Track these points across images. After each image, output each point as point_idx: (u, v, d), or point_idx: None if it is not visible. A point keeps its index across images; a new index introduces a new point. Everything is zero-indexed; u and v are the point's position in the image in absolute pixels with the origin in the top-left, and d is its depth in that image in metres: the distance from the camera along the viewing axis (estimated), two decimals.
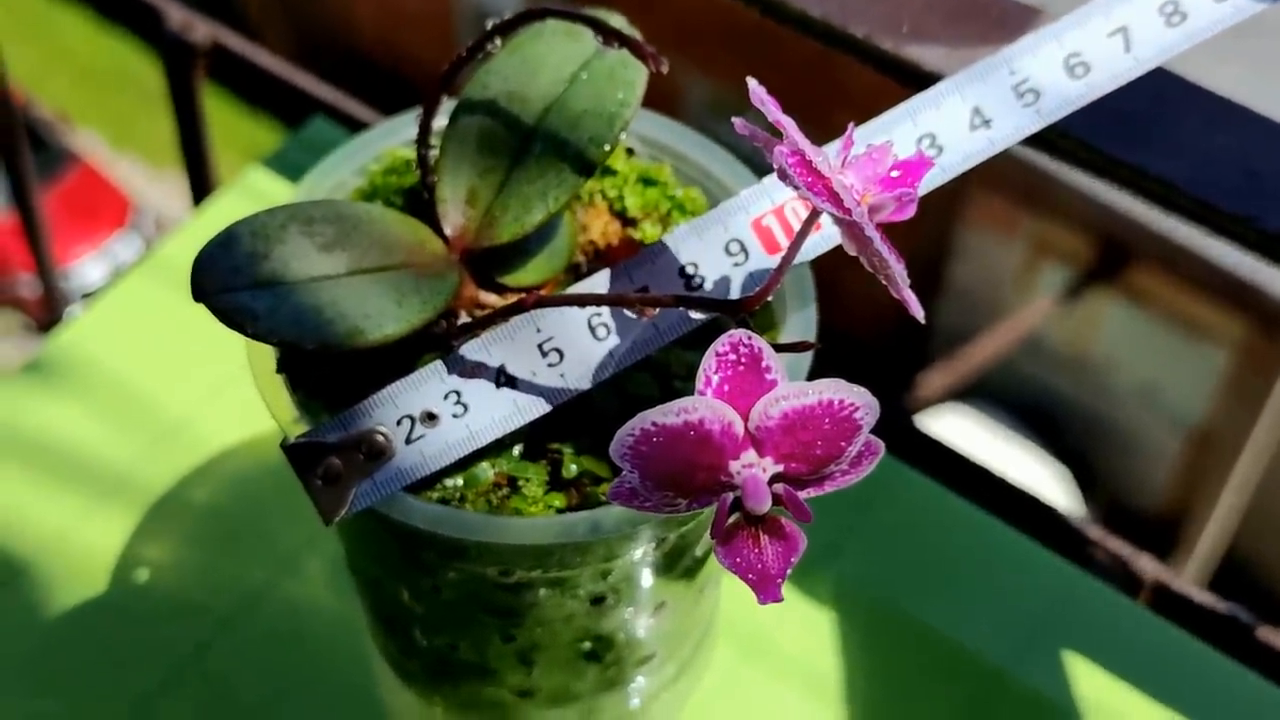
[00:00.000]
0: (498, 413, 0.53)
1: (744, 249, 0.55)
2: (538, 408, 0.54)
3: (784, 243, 0.55)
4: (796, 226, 0.55)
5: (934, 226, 3.78)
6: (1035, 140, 0.63)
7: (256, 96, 4.69)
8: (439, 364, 0.53)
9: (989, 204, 3.72)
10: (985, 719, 0.79)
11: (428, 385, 0.53)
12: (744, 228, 0.55)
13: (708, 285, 0.55)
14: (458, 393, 0.53)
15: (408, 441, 0.53)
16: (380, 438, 0.52)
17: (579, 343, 0.54)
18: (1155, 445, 3.80)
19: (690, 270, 0.55)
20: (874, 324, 3.99)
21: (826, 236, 0.55)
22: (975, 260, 3.90)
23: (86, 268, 4.62)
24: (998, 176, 3.49)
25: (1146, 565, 0.83)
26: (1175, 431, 3.74)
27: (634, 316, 0.54)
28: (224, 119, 4.58)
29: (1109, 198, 3.10)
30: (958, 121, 0.56)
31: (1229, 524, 3.36)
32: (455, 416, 0.53)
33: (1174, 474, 3.79)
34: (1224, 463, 3.34)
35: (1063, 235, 3.59)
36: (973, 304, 3.95)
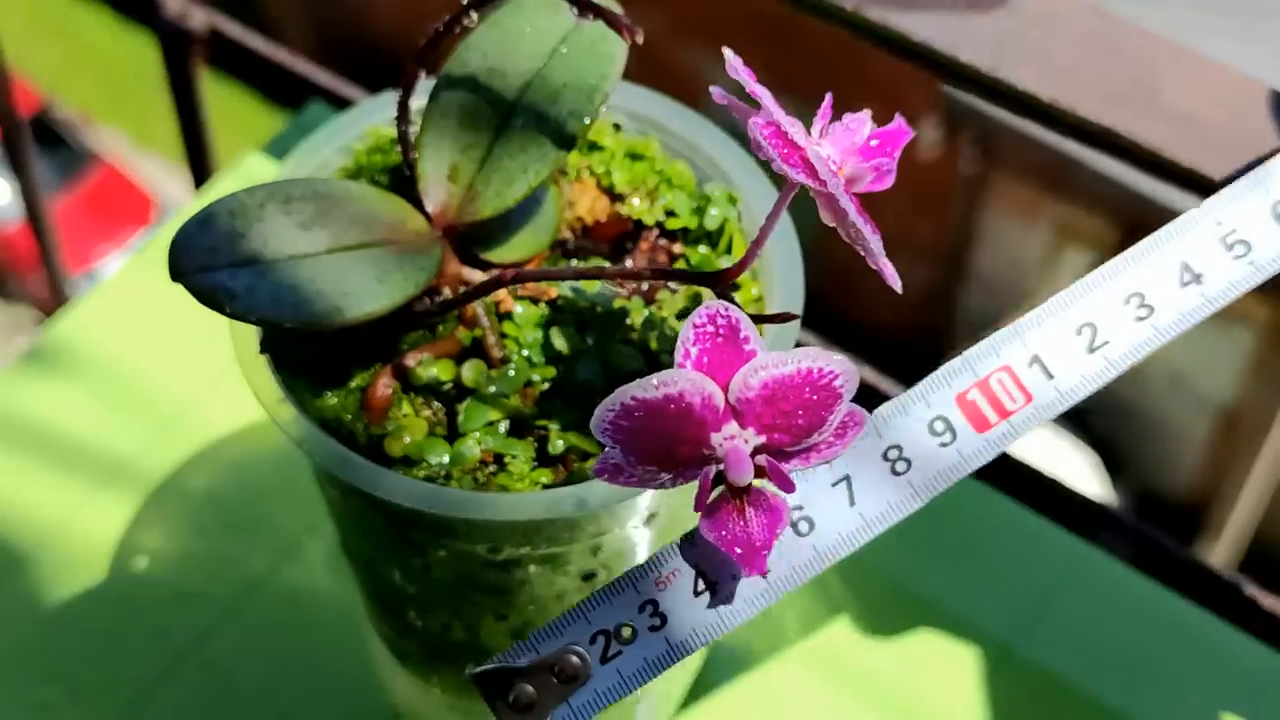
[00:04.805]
0: (699, 621, 0.50)
1: (950, 427, 0.51)
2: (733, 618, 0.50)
3: (994, 419, 0.51)
4: (1004, 399, 0.52)
5: (958, 213, 3.77)
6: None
7: (281, 95, 4.69)
8: (633, 574, 0.50)
9: (1013, 190, 3.71)
10: (992, 693, 0.78)
11: (622, 598, 0.49)
12: (948, 403, 0.52)
13: (914, 468, 0.51)
14: (654, 603, 0.49)
15: (603, 660, 0.49)
16: (575, 658, 0.49)
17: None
18: (1183, 428, 3.78)
19: (893, 455, 0.51)
20: (896, 313, 3.98)
21: (1041, 407, 0.52)
22: (999, 246, 3.89)
23: (111, 267, 4.63)
24: (1021, 162, 3.47)
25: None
26: (1203, 414, 3.72)
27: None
28: (248, 115, 4.59)
29: (1132, 182, 3.09)
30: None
31: (1258, 504, 3.35)
32: (652, 630, 0.49)
33: (1202, 457, 3.77)
34: (1252, 444, 3.33)
35: (1086, 220, 3.58)
36: (997, 290, 3.94)
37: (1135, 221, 3.35)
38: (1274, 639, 0.81)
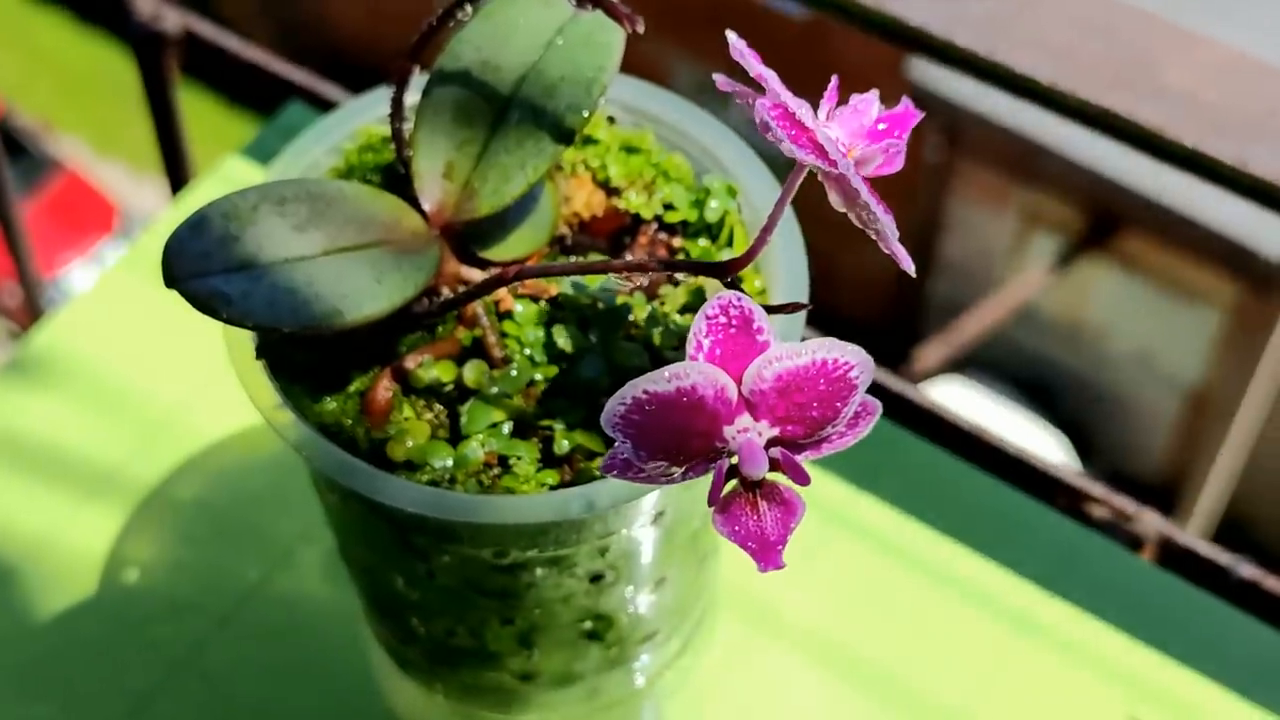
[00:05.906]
0: None
1: None
2: None
3: None
4: None
5: (925, 200, 3.77)
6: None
7: (250, 98, 4.66)
8: None
9: (979, 177, 3.72)
10: (997, 684, 0.78)
11: None
12: None
13: None
14: None
15: None
16: None
17: None
18: (1152, 409, 3.80)
19: None
20: (867, 300, 3.98)
21: None
22: (967, 233, 3.90)
23: (75, 275, 4.60)
24: (987, 149, 3.48)
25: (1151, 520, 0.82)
26: (1171, 395, 3.74)
27: None
28: (215, 120, 4.57)
29: (1097, 165, 3.09)
30: None
31: (1227, 484, 3.36)
32: None
33: (1172, 437, 3.79)
34: (1221, 423, 3.34)
35: (1053, 205, 3.59)
36: (965, 276, 3.94)
37: (1103, 207, 3.36)
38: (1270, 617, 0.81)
